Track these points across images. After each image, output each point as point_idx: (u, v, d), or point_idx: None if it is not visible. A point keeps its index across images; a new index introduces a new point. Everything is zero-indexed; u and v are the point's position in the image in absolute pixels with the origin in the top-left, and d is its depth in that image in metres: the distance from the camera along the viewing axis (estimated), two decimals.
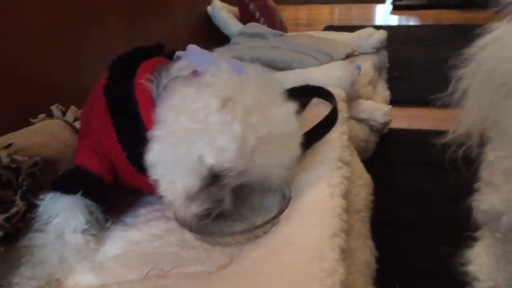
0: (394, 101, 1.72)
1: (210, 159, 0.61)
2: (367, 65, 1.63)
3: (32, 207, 0.72)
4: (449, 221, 1.08)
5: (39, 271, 0.65)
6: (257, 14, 2.08)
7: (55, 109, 1.00)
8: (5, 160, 0.74)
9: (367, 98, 1.35)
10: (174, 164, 0.64)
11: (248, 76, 0.68)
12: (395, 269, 0.92)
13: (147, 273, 0.62)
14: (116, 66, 0.78)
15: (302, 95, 1.06)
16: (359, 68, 1.50)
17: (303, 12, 4.45)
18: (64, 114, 0.99)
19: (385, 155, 1.43)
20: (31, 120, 0.96)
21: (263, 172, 0.64)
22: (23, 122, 0.94)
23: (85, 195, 0.71)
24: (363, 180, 0.96)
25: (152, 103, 0.71)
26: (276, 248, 0.61)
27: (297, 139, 0.68)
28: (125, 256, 0.69)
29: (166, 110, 0.67)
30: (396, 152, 1.51)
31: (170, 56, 0.81)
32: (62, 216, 0.70)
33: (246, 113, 0.62)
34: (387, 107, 1.33)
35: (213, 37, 2.00)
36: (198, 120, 0.62)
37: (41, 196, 0.72)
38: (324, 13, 4.43)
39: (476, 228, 0.77)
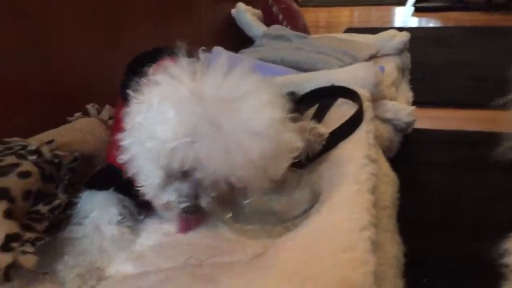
0: (417, 102, 1.72)
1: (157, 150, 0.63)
2: (390, 66, 1.63)
3: (71, 203, 0.77)
4: (477, 220, 1.09)
5: (81, 260, 0.69)
6: (280, 17, 2.09)
7: (90, 107, 1.04)
8: (48, 155, 0.78)
9: (391, 99, 1.35)
10: (140, 157, 0.67)
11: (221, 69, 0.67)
12: (423, 265, 0.93)
13: (184, 262, 0.65)
14: (133, 64, 0.81)
15: (328, 95, 1.09)
16: (382, 69, 1.51)
17: (323, 14, 4.44)
18: (99, 112, 1.04)
19: (409, 154, 1.44)
20: (68, 118, 1.01)
21: (216, 170, 0.62)
22: (61, 120, 0.99)
23: (117, 190, 0.76)
24: (389, 177, 0.97)
25: None
26: (309, 240, 0.63)
27: (262, 139, 0.61)
28: (161, 246, 0.72)
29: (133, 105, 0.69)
30: (420, 152, 1.52)
31: (190, 56, 0.83)
32: (97, 210, 0.75)
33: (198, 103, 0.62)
34: (411, 108, 1.34)
35: (236, 39, 2.02)
36: (141, 116, 0.65)
37: (79, 195, 0.77)
38: (344, 15, 4.42)
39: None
